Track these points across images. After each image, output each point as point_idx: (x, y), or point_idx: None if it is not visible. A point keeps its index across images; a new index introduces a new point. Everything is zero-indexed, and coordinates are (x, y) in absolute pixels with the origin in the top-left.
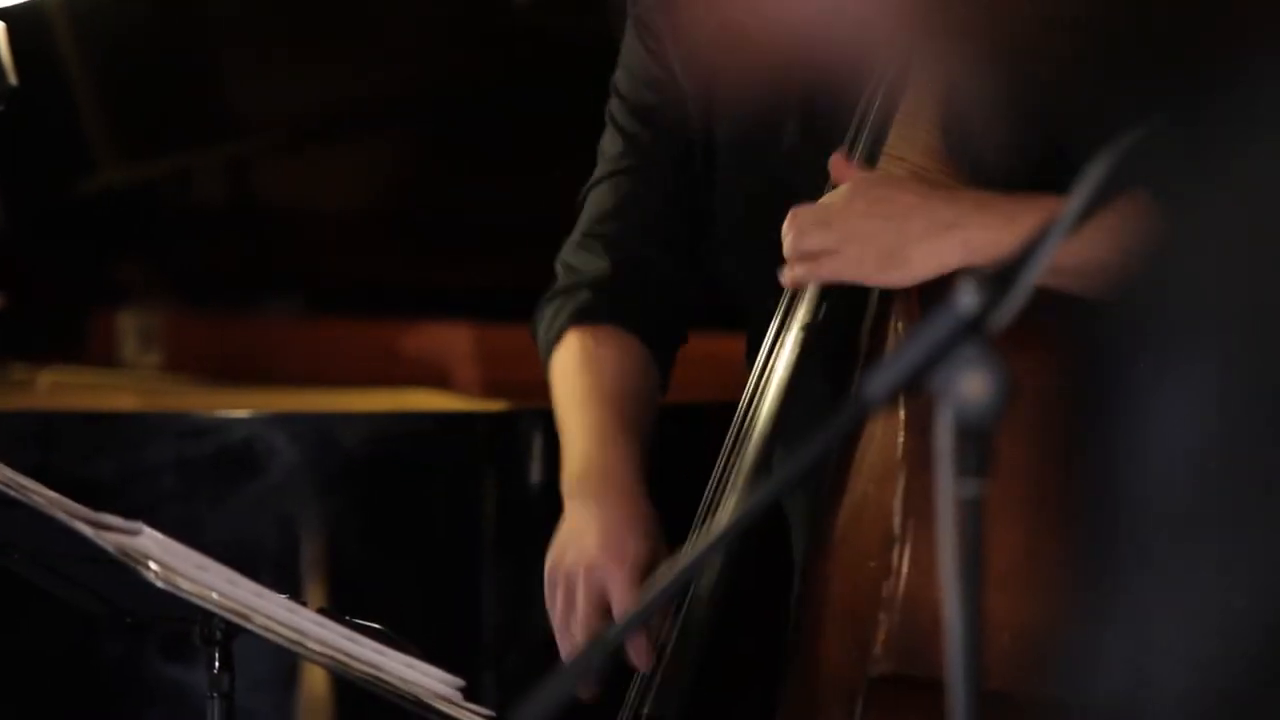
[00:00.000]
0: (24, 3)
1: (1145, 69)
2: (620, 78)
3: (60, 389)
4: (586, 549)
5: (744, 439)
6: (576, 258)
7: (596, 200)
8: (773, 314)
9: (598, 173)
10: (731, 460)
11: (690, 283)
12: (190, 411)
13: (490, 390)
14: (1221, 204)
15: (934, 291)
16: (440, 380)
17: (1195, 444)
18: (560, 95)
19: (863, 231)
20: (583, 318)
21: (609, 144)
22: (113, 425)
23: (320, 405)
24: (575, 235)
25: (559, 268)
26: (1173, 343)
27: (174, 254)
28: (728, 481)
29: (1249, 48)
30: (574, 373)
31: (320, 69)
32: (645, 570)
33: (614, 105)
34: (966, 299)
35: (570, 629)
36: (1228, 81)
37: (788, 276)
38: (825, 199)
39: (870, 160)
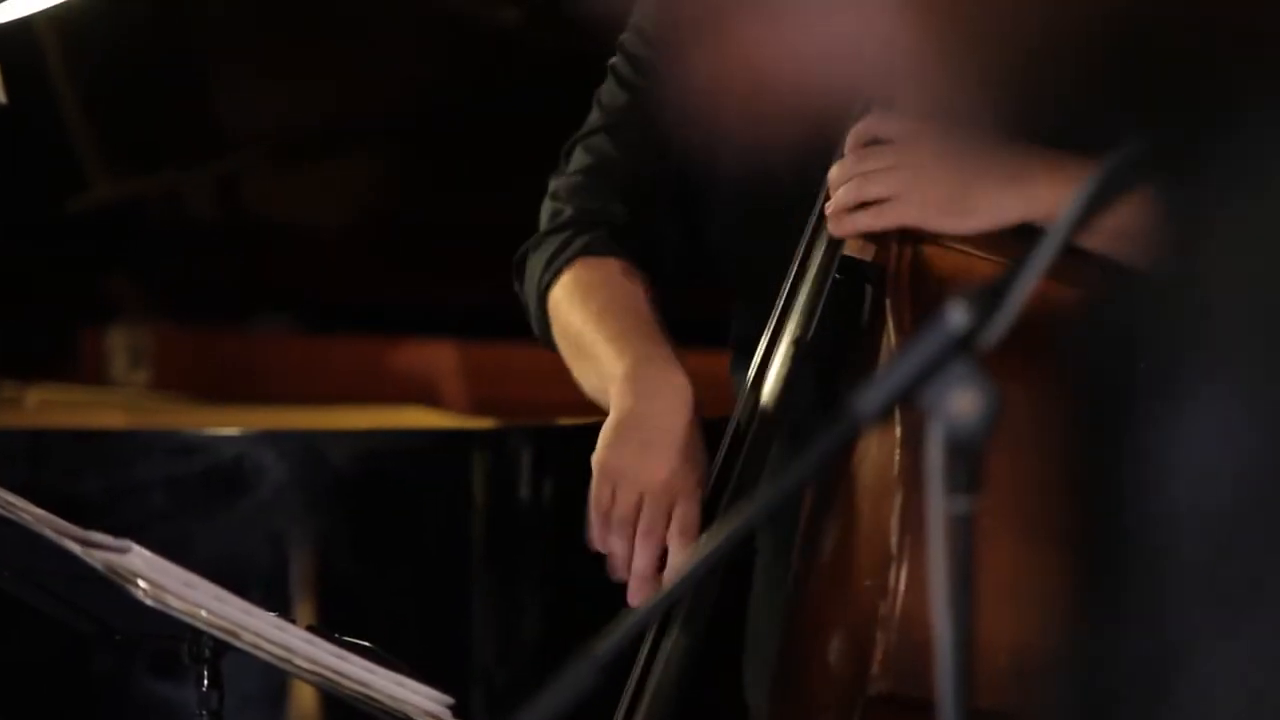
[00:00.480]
0: (13, 20)
1: (1147, 100)
2: (630, 37)
3: (49, 406)
4: (658, 457)
5: (735, 456)
6: (582, 198)
7: (597, 147)
8: (767, 316)
9: (595, 121)
10: (724, 476)
11: (687, 247)
12: (179, 429)
13: (479, 407)
14: (1235, 213)
15: (928, 304)
16: (429, 397)
17: (1222, 469)
18: (549, 112)
19: (929, 176)
20: (604, 249)
21: (608, 95)
22: (101, 443)
23: (309, 423)
24: (572, 178)
25: (552, 204)
26: (1193, 362)
27: (163, 270)
28: (720, 499)
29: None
30: (604, 283)
31: (308, 85)
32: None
33: (619, 60)
34: (956, 316)
35: (630, 532)
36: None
37: (845, 225)
38: (879, 148)
39: None
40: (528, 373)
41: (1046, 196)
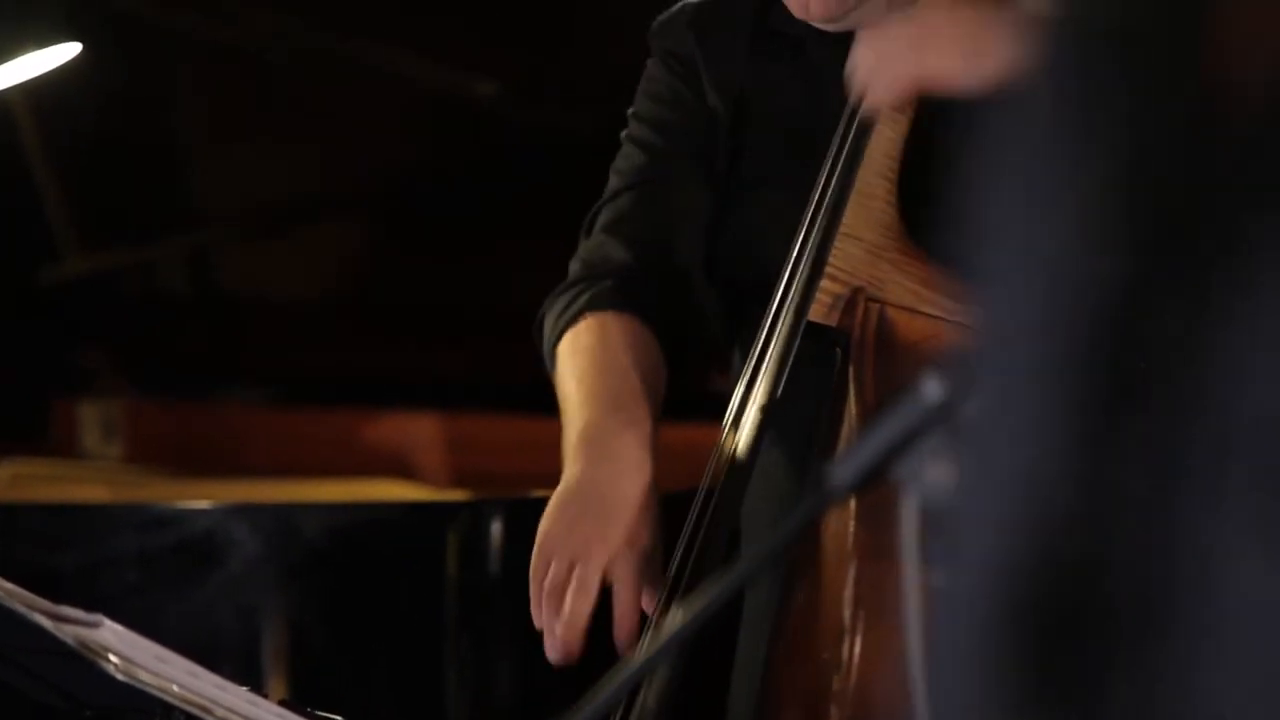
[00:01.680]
0: None
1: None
2: (640, 104)
3: (21, 480)
4: (593, 524)
5: (704, 524)
6: (595, 254)
7: (614, 208)
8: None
9: (612, 187)
10: (692, 546)
11: (705, 296)
12: (151, 503)
13: (453, 480)
14: None
15: (892, 370)
16: (403, 470)
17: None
18: (523, 185)
19: (942, 31)
20: (606, 303)
21: (624, 162)
22: (74, 516)
23: (282, 495)
24: (591, 239)
25: (573, 265)
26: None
27: (136, 343)
28: (687, 568)
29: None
30: (590, 347)
31: (282, 158)
32: (649, 557)
33: (632, 127)
34: (932, 387)
35: (558, 604)
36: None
37: (879, 89)
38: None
39: (826, 237)
40: (502, 444)
41: (995, 66)
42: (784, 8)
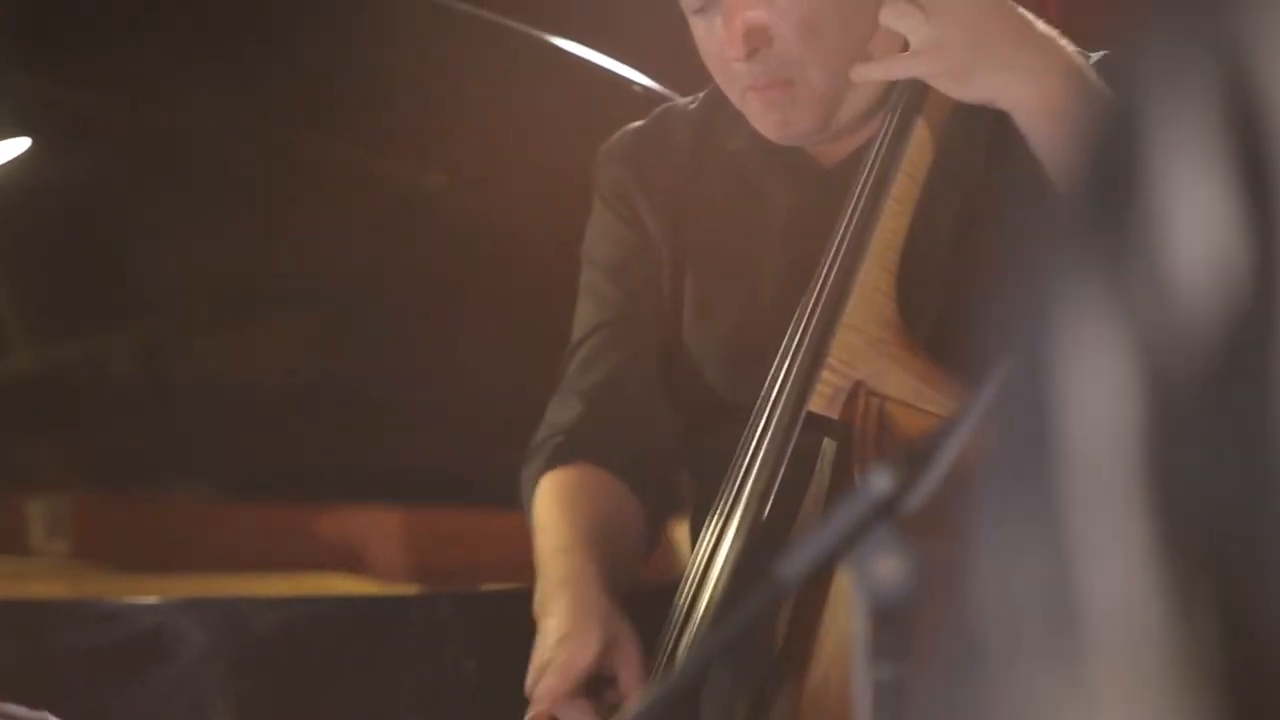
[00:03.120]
0: None
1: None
2: (590, 246)
3: None
4: (550, 661)
5: (681, 632)
6: (554, 414)
7: (574, 361)
8: (722, 482)
9: (574, 337)
10: (669, 653)
11: (670, 425)
12: (98, 598)
13: (405, 573)
14: None
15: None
16: (354, 563)
17: None
18: (473, 276)
19: (949, 42)
20: (556, 460)
21: (582, 309)
22: (19, 613)
23: (232, 589)
24: (555, 395)
25: (544, 419)
26: None
27: (84, 436)
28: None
29: None
30: (544, 506)
31: (233, 249)
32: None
33: (585, 273)
34: (879, 481)
35: None
36: None
37: (873, 69)
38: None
39: (827, 328)
40: (455, 537)
41: (1036, 97)
42: (724, 123)
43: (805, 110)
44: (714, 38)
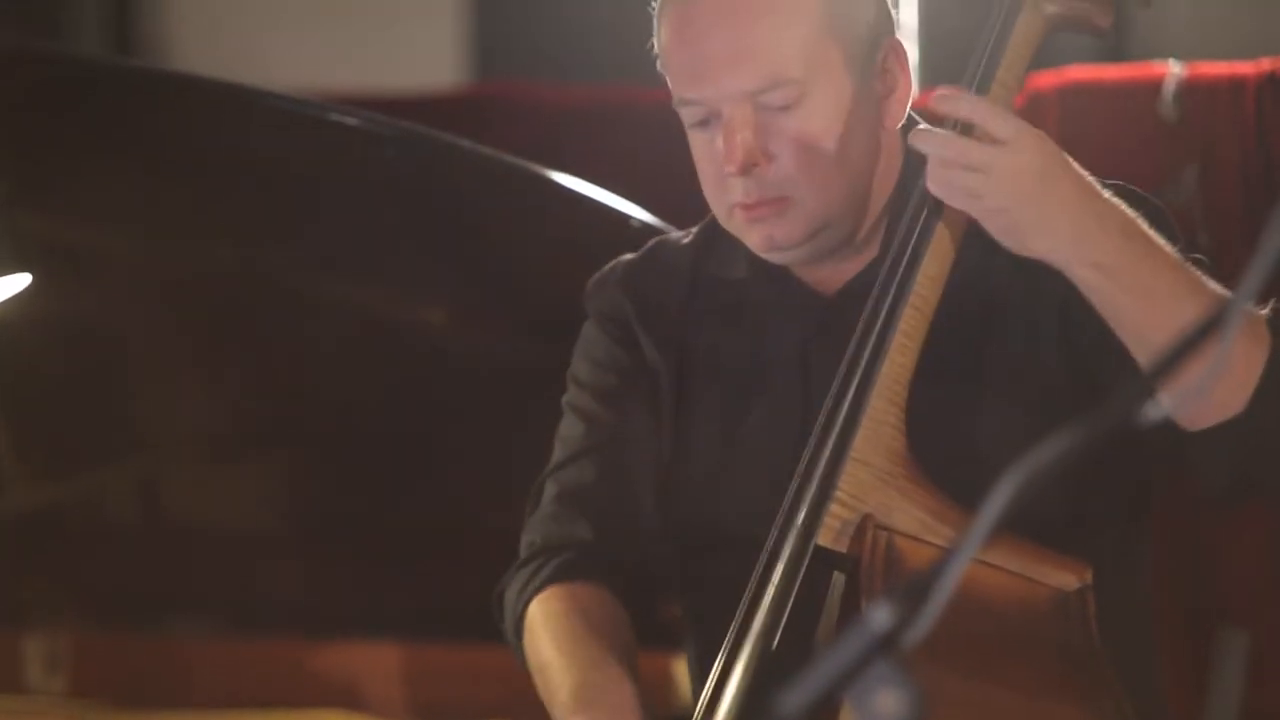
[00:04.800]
0: None
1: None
2: (579, 368)
3: None
4: None
5: None
6: (548, 527)
7: (562, 480)
8: (726, 617)
9: (559, 457)
10: None
11: (659, 555)
12: None
13: (405, 710)
14: None
15: None
16: (354, 700)
17: None
18: (472, 412)
19: (1008, 198)
20: (568, 574)
21: (569, 429)
22: None
23: None
24: (542, 511)
25: (526, 539)
26: None
27: (82, 574)
28: None
29: None
30: (562, 615)
31: (228, 385)
32: None
33: (573, 394)
34: (880, 616)
35: None
36: None
37: (936, 182)
38: (982, 143)
39: (835, 461)
40: (456, 673)
41: (1092, 259)
42: (721, 254)
43: (792, 227)
44: (711, 152)
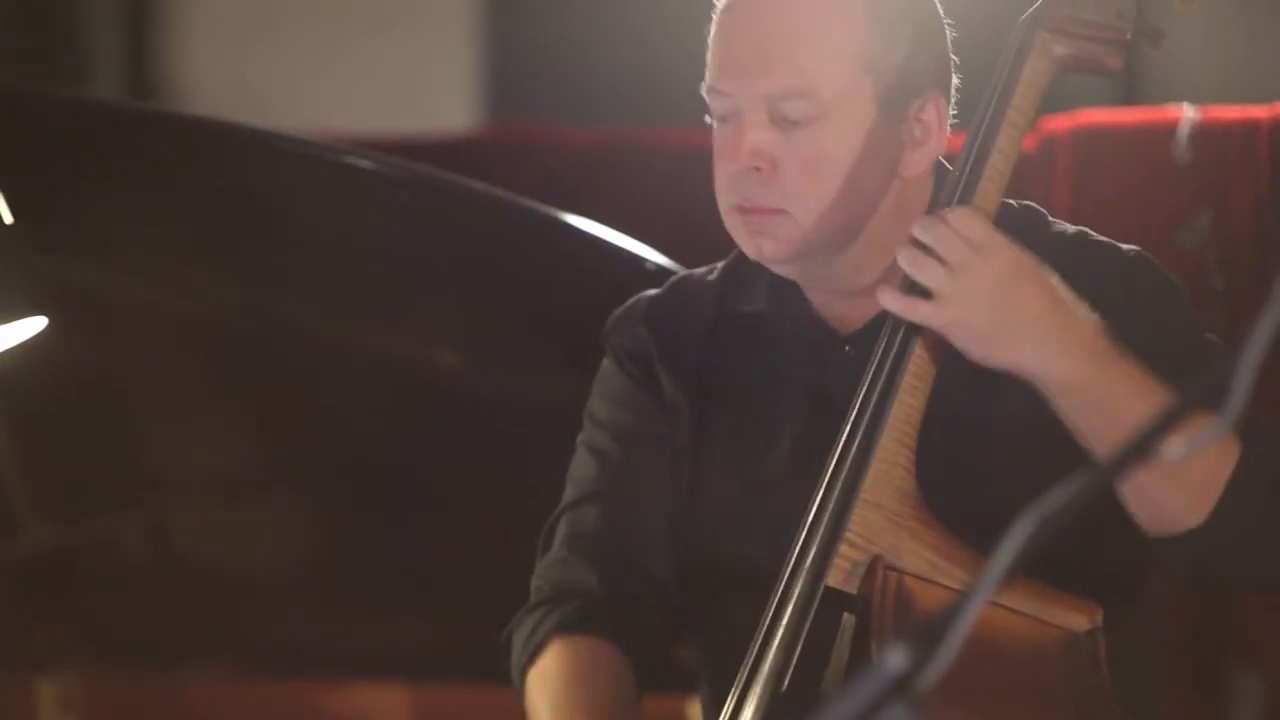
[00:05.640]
0: None
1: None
2: (596, 406)
3: None
4: None
5: None
6: (558, 572)
7: (573, 522)
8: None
9: (571, 496)
10: None
11: (670, 598)
12: None
13: None
14: None
15: None
16: None
17: None
18: (485, 455)
19: (978, 300)
20: (571, 626)
21: (582, 468)
22: None
23: None
24: (553, 554)
25: (536, 583)
26: None
27: (95, 616)
28: None
29: None
30: (561, 675)
31: (241, 427)
32: None
33: (589, 432)
34: (895, 659)
35: None
36: None
37: (895, 302)
38: (957, 241)
39: (845, 503)
40: (462, 713)
41: (1056, 375)
42: (743, 289)
43: (783, 242)
44: (725, 148)
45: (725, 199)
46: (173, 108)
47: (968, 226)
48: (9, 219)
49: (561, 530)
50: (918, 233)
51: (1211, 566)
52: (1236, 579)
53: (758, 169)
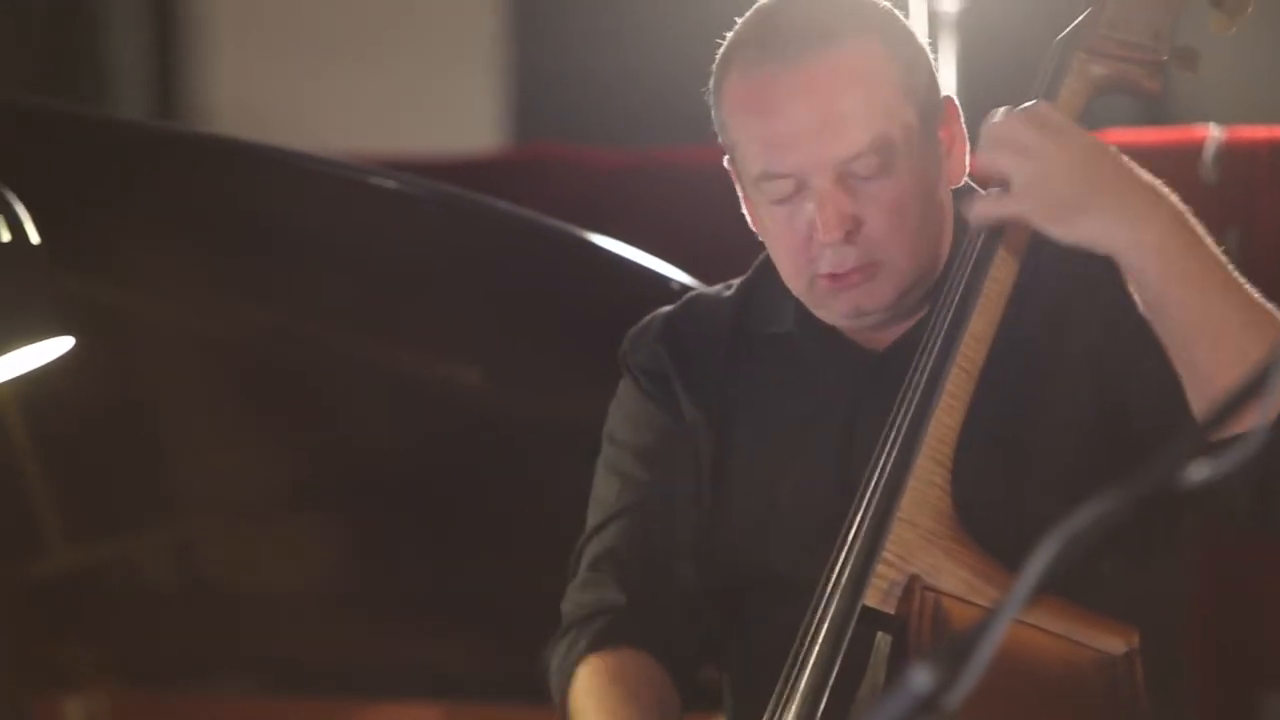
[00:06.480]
0: None
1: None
2: (614, 427)
3: None
4: None
5: None
6: (585, 594)
7: (599, 543)
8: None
9: (594, 521)
10: None
11: (700, 615)
12: None
13: None
14: None
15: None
16: None
17: None
18: (510, 472)
19: (1054, 181)
20: (603, 641)
21: (605, 490)
22: None
23: None
24: (579, 577)
25: (565, 608)
26: None
27: (122, 635)
28: None
29: None
30: (598, 690)
31: (266, 446)
32: None
33: (610, 453)
34: (921, 678)
35: None
36: None
37: (981, 207)
38: (1029, 127)
39: (882, 521)
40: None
41: (1145, 240)
42: (764, 309)
43: (882, 292)
44: (795, 226)
45: (804, 274)
46: (199, 128)
47: (1037, 115)
48: (36, 239)
49: (588, 553)
50: (990, 130)
51: (1272, 476)
52: None
53: (850, 234)
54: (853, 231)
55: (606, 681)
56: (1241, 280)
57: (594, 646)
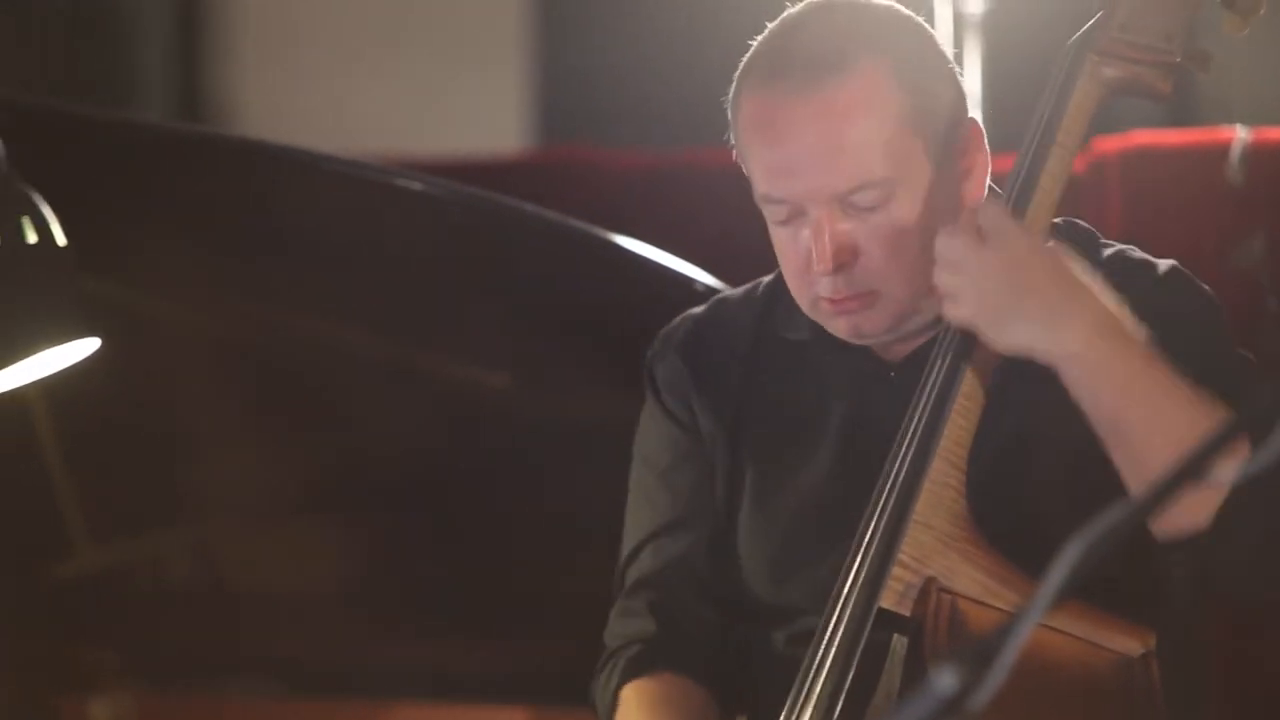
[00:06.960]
0: (4, 391)
1: None
2: (642, 443)
3: None
4: None
5: None
6: (620, 625)
7: (636, 569)
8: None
9: (630, 543)
10: None
11: (730, 633)
12: None
13: None
14: None
15: None
16: None
17: None
18: (535, 475)
19: (988, 287)
20: (639, 669)
21: (636, 512)
22: None
23: None
24: (618, 606)
25: (606, 638)
26: None
27: (146, 636)
28: None
29: None
30: (641, 712)
31: (293, 449)
32: None
33: (637, 471)
34: (945, 680)
35: None
36: None
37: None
38: (964, 241)
39: (897, 524)
40: None
41: (1068, 345)
42: (784, 314)
43: (880, 318)
44: (797, 248)
45: (806, 294)
46: (223, 130)
47: (974, 227)
48: (63, 241)
49: (629, 577)
50: (936, 245)
51: (1218, 575)
52: (1240, 589)
53: (845, 263)
54: (848, 262)
55: (646, 706)
56: (1175, 379)
57: (631, 674)
